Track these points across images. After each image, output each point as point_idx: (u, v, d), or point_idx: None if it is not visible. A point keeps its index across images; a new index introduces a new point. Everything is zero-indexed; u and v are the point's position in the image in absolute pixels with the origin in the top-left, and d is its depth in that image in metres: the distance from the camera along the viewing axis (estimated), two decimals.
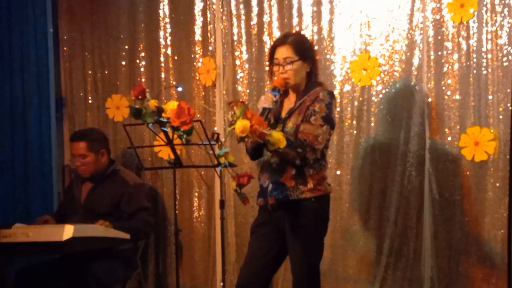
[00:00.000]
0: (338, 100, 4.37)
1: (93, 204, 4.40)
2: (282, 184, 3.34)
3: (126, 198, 4.38)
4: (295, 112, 3.36)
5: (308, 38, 3.67)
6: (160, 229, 5.08)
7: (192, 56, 4.97)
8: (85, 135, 4.51)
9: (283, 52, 3.38)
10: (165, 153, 4.90)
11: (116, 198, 4.38)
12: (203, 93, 4.95)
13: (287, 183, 3.33)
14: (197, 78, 4.95)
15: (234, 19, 4.76)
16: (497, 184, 3.95)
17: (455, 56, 4.07)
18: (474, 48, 4.01)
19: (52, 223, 4.38)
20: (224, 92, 4.80)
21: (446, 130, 4.11)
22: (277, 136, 3.08)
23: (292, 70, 3.36)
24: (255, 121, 3.03)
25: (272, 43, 4.27)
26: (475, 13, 3.97)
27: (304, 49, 3.41)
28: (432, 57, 4.13)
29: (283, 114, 3.43)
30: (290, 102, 3.45)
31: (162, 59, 5.09)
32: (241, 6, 4.72)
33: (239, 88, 4.76)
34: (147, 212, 4.42)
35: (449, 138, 4.10)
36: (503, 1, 3.92)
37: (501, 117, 3.94)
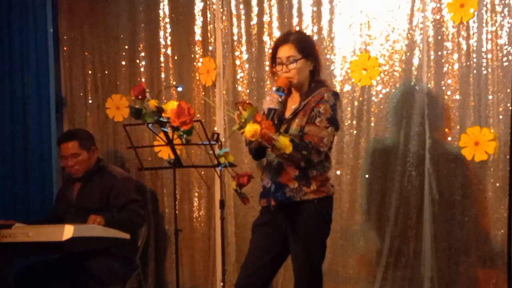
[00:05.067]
0: None
1: (84, 201, 4.40)
2: (284, 185, 3.33)
3: (114, 192, 4.38)
4: (300, 113, 3.34)
5: (310, 36, 3.64)
6: (160, 229, 5.09)
7: (192, 56, 4.97)
8: (74, 135, 4.51)
9: (286, 51, 3.35)
10: (165, 153, 4.90)
11: (105, 193, 4.38)
12: (203, 93, 4.94)
13: (289, 184, 3.32)
14: (197, 78, 4.95)
15: (234, 19, 4.76)
16: (497, 184, 3.95)
17: (455, 56, 4.07)
18: (474, 48, 4.01)
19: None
20: (224, 92, 4.80)
21: (446, 130, 4.11)
22: (284, 142, 3.07)
23: (295, 69, 3.34)
24: (265, 125, 3.03)
25: (272, 43, 4.28)
26: (475, 13, 3.97)
27: (307, 47, 3.39)
28: (432, 57, 4.13)
29: (287, 114, 3.41)
30: (293, 102, 3.43)
31: (162, 59, 5.09)
32: (241, 6, 4.72)
33: (239, 88, 4.76)
34: (137, 203, 4.41)
35: (449, 138, 4.10)
36: (503, 1, 3.92)
37: (501, 117, 3.94)
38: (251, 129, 3.02)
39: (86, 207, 4.33)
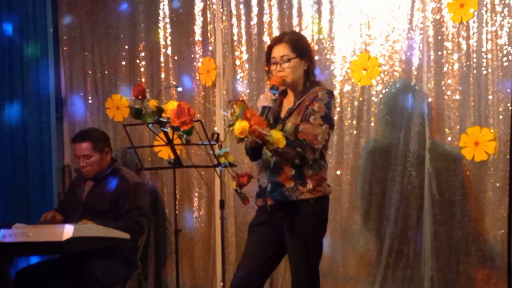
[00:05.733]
0: (338, 100, 4.37)
1: (94, 202, 4.41)
2: (280, 185, 3.33)
3: (123, 196, 4.39)
4: (295, 112, 3.36)
5: (305, 36, 3.65)
6: (160, 229, 5.09)
7: (192, 56, 4.97)
8: (89, 136, 4.51)
9: (280, 50, 3.37)
10: (165, 153, 4.90)
11: (116, 196, 4.39)
12: (203, 93, 4.95)
13: (286, 183, 3.32)
14: (197, 78, 4.95)
15: (234, 19, 4.76)
16: (497, 184, 3.95)
17: (455, 56, 4.07)
18: (474, 48, 4.00)
19: (59, 218, 4.38)
20: (224, 92, 4.80)
21: (446, 130, 4.11)
22: (277, 136, 3.07)
23: (289, 68, 3.35)
24: (255, 121, 3.02)
25: None
26: (475, 13, 3.97)
27: (301, 47, 3.40)
28: (432, 57, 4.13)
29: (283, 114, 3.42)
30: (289, 102, 3.45)
31: (162, 59, 5.09)
32: (241, 6, 4.72)
33: (239, 88, 4.77)
34: (140, 211, 4.40)
35: (449, 138, 4.10)
36: (503, 1, 3.91)
37: (501, 117, 3.94)
38: (239, 126, 3.02)
39: (95, 208, 4.35)
